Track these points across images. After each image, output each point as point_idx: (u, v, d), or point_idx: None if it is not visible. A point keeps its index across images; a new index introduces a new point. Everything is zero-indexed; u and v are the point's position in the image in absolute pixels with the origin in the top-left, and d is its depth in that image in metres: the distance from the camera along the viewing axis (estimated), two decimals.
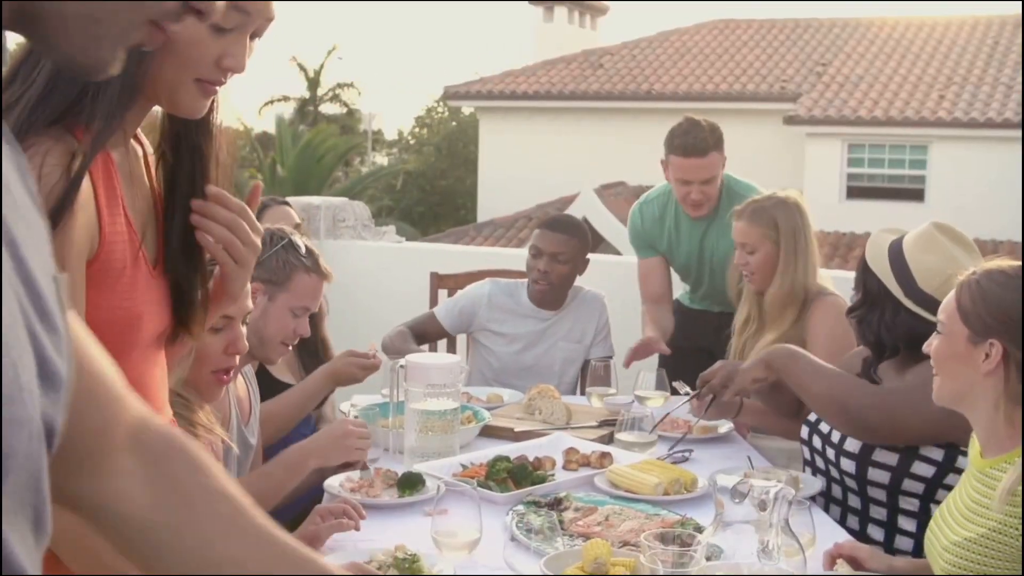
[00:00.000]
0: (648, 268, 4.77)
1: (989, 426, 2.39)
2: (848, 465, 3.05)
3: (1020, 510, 2.22)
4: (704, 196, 4.42)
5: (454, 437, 3.23)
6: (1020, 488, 2.22)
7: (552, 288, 4.39)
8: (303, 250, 3.26)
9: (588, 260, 4.49)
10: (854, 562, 2.50)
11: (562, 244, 4.36)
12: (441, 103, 34.26)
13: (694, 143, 4.35)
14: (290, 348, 3.32)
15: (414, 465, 3.06)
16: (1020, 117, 19.95)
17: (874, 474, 3.01)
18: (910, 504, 2.97)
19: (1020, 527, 2.22)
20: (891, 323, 3.06)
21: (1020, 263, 2.45)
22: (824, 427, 3.19)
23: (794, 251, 3.80)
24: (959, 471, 2.80)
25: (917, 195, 20.47)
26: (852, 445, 3.06)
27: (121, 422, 1.18)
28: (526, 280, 4.53)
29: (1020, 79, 21.07)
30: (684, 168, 4.39)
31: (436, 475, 2.96)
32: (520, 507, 2.77)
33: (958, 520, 2.40)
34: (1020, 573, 2.25)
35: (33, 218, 0.92)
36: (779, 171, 20.49)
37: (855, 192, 20.92)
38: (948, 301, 2.47)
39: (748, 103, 22.34)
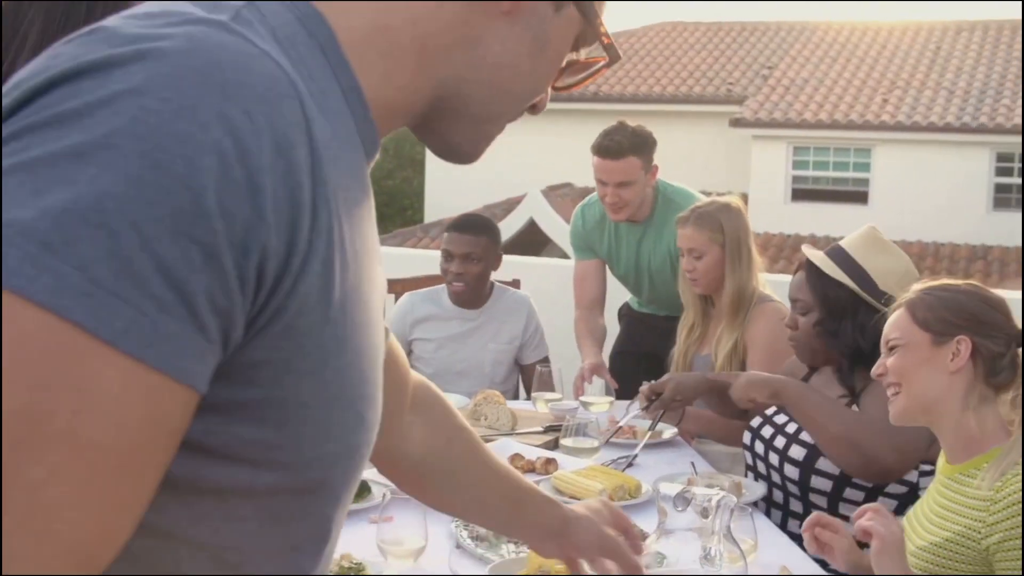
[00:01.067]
0: (585, 270, 4.79)
1: (957, 430, 2.42)
2: (792, 472, 3.07)
3: (987, 515, 2.25)
4: (619, 199, 4.41)
5: None
6: (996, 495, 2.26)
7: (469, 288, 4.42)
8: None
9: (501, 256, 4.51)
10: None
11: (472, 244, 4.38)
12: None
13: (610, 145, 4.37)
14: None
15: None
16: (962, 121, 20.24)
17: (817, 482, 3.04)
18: (850, 511, 3.00)
19: (985, 530, 2.25)
20: (864, 326, 3.06)
21: (951, 279, 2.53)
22: (767, 432, 3.22)
23: (739, 255, 3.84)
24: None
25: (861, 197, 20.69)
26: (797, 452, 3.08)
27: (409, 384, 1.60)
28: (443, 286, 4.54)
29: (961, 83, 21.37)
30: (599, 169, 4.41)
31: (381, 482, 2.95)
32: None
33: (925, 526, 2.44)
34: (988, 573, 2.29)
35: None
36: (725, 173, 20.67)
37: (800, 194, 21.11)
38: (898, 319, 2.49)
39: (695, 105, 22.51)
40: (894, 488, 2.99)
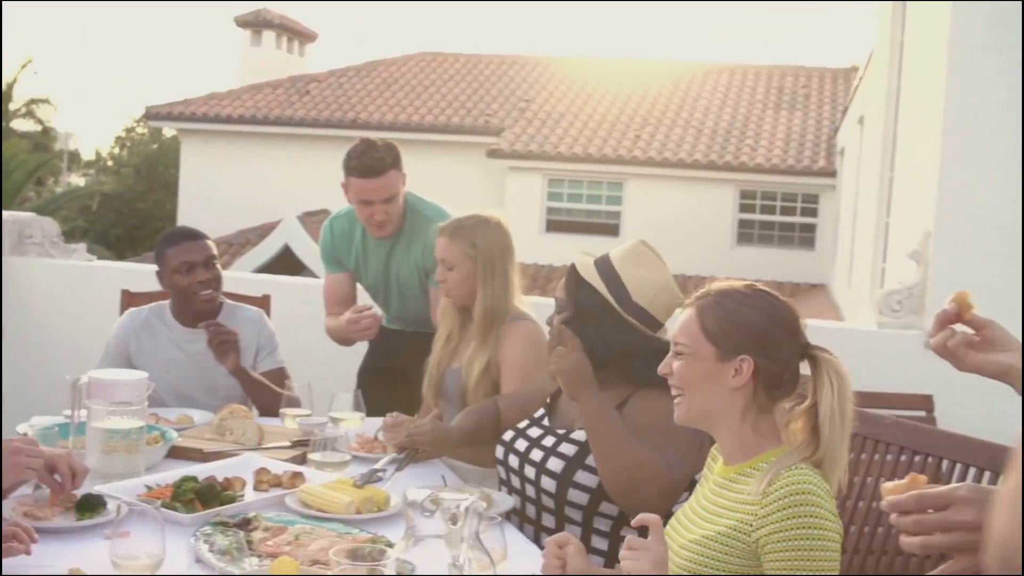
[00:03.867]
0: (334, 283, 4.73)
1: (735, 437, 2.46)
2: (548, 484, 3.06)
3: (759, 507, 2.29)
4: (387, 216, 4.39)
5: (139, 457, 3.09)
6: (768, 488, 2.29)
7: (216, 293, 4.27)
8: None
9: None
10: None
11: (208, 248, 4.26)
12: (142, 123, 33.28)
13: (371, 163, 4.32)
14: None
15: (95, 487, 2.91)
16: (709, 159, 21.05)
17: (573, 495, 3.04)
18: (604, 524, 3.02)
19: (757, 523, 2.29)
20: (607, 335, 3.09)
21: (746, 282, 2.54)
22: (520, 446, 3.21)
23: (492, 272, 3.82)
24: None
25: (613, 230, 21.22)
26: (555, 465, 3.07)
27: None
28: (166, 303, 4.36)
29: (709, 123, 22.25)
30: (364, 189, 4.35)
31: (117, 496, 2.82)
32: (207, 528, 2.67)
33: (695, 521, 2.46)
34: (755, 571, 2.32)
35: None
36: (482, 203, 20.67)
37: (554, 225, 21.52)
38: (687, 323, 2.50)
39: (453, 135, 22.67)
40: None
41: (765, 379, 2.44)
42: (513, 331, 3.80)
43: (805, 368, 2.48)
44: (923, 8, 7.98)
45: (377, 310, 4.45)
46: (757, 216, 21.49)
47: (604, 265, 3.16)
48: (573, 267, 3.22)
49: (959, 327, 2.08)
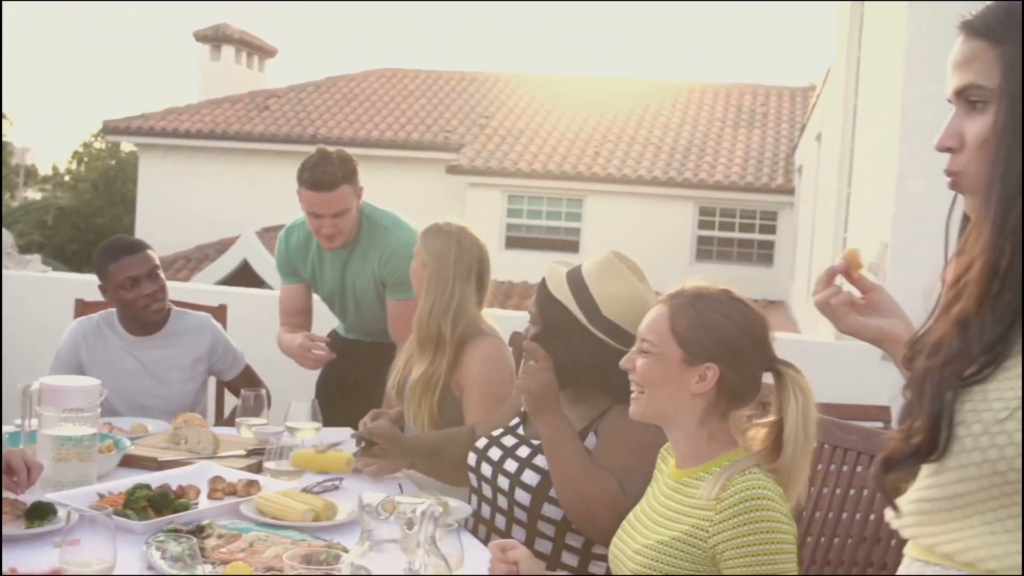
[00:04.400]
0: (290, 294, 4.69)
1: (690, 441, 2.45)
2: (523, 497, 2.99)
3: (714, 513, 2.28)
4: (336, 230, 4.34)
5: (91, 465, 3.04)
6: (721, 492, 2.28)
7: (164, 304, 4.23)
8: None
9: None
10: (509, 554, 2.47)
11: (150, 259, 4.21)
12: (100, 138, 33.07)
13: (323, 177, 4.26)
14: None
15: (46, 495, 2.86)
16: (668, 176, 21.14)
17: (548, 509, 2.96)
18: (576, 541, 2.96)
19: (713, 528, 2.28)
20: (576, 350, 3.00)
21: (721, 287, 2.52)
22: (494, 454, 3.14)
23: (439, 283, 3.73)
24: None
25: (572, 246, 21.24)
26: (530, 478, 2.99)
27: None
28: (113, 311, 4.30)
29: (668, 140, 22.36)
30: (313, 202, 4.30)
31: (68, 503, 2.77)
32: (160, 535, 2.63)
33: (648, 526, 2.44)
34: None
35: None
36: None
37: (514, 242, 21.51)
38: (657, 321, 2.47)
39: (412, 151, 22.64)
40: None
41: (728, 388, 2.42)
42: (481, 346, 3.71)
43: (767, 377, 2.47)
44: (880, 24, 8.04)
45: (323, 352, 4.37)
46: (716, 233, 21.59)
47: (575, 278, 3.09)
48: (543, 281, 3.16)
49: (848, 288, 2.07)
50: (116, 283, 4.17)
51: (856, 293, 2.02)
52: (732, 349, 2.42)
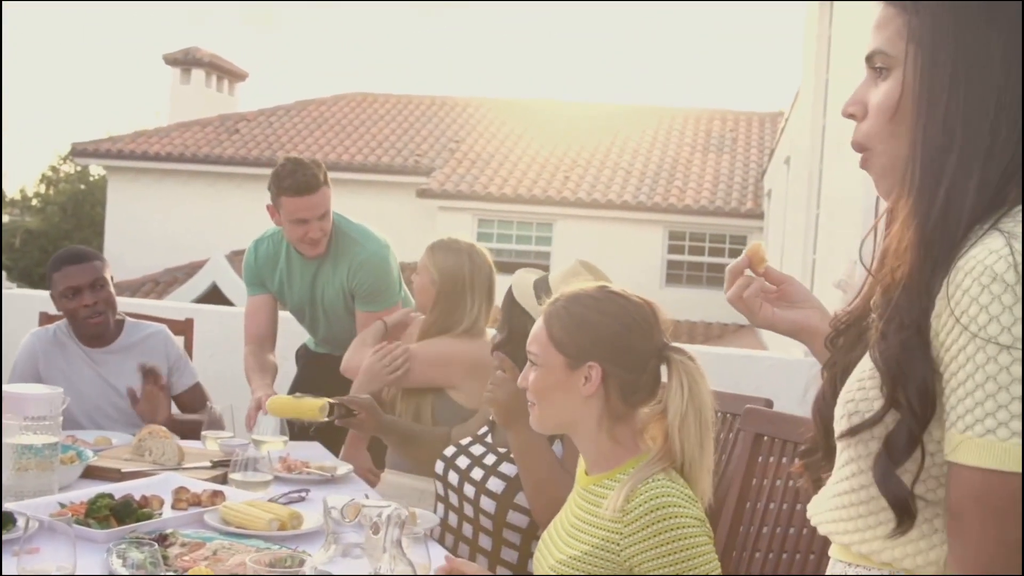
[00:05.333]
0: (256, 306, 4.65)
1: (593, 446, 2.41)
2: (488, 505, 2.98)
3: (622, 526, 2.24)
4: (323, 232, 4.34)
5: (52, 475, 2.99)
6: (628, 504, 2.24)
7: (106, 317, 4.19)
8: None
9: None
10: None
11: (94, 271, 4.18)
12: (69, 160, 32.91)
13: (308, 180, 4.25)
14: None
15: (5, 505, 2.81)
16: (638, 200, 21.19)
17: (513, 517, 2.96)
18: None
19: (624, 542, 2.24)
20: None
21: (598, 284, 2.50)
22: (462, 463, 3.13)
23: (453, 293, 3.75)
24: None
25: (543, 270, 21.19)
26: (495, 485, 2.99)
27: None
28: (61, 323, 4.29)
29: (638, 164, 22.43)
30: (300, 207, 4.27)
31: (28, 512, 2.72)
32: (122, 544, 2.59)
33: (564, 539, 2.40)
34: None
35: None
36: (411, 243, 20.76)
37: None
38: (537, 332, 2.45)
39: (383, 175, 22.65)
40: None
41: (618, 385, 2.38)
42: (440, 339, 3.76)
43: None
44: (846, 46, 8.09)
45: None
46: (686, 257, 21.65)
47: (542, 287, 3.11)
48: (509, 289, 3.18)
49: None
50: (59, 292, 4.17)
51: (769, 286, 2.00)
52: (610, 344, 2.38)
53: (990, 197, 1.45)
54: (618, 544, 2.24)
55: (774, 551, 3.33)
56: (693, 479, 2.32)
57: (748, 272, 1.97)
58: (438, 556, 2.69)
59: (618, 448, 2.39)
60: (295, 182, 4.25)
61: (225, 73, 28.51)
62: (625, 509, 2.24)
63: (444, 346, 3.73)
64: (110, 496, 2.86)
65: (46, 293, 6.56)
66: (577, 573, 2.29)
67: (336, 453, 4.06)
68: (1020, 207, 1.45)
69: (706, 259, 21.63)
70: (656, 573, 2.20)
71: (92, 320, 4.16)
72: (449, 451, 3.22)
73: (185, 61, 27.54)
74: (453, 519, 3.12)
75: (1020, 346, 1.36)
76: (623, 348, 2.38)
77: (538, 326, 2.46)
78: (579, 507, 2.41)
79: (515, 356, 3.00)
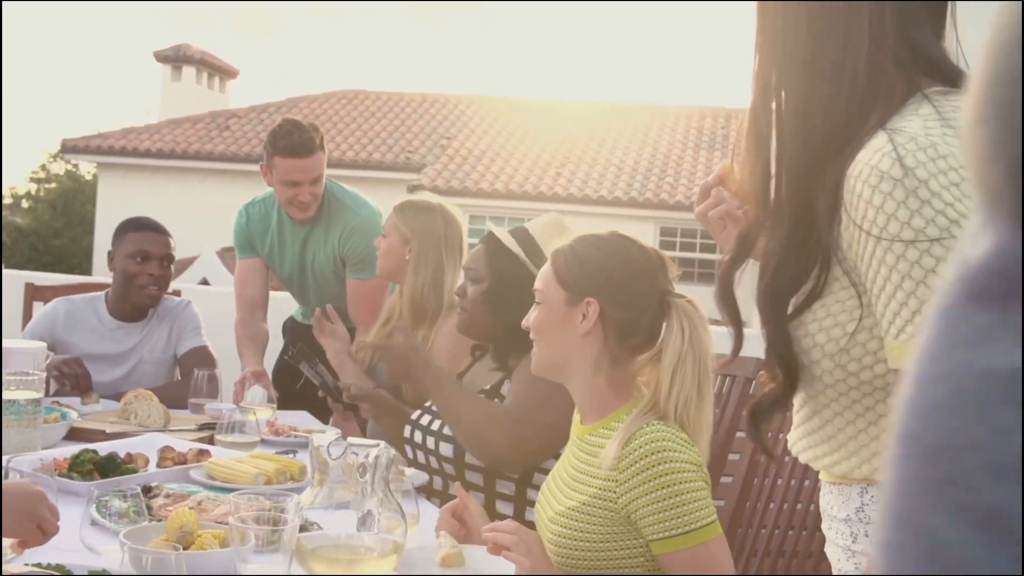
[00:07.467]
0: (247, 269, 4.60)
1: (588, 391, 2.36)
2: (447, 449, 2.97)
3: (618, 472, 2.20)
4: (314, 197, 4.29)
5: (35, 432, 2.93)
6: (623, 451, 2.20)
7: (161, 295, 4.15)
8: None
9: None
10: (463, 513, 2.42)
11: (168, 245, 4.20)
12: (58, 158, 32.85)
13: (303, 142, 4.21)
14: None
15: None
16: (629, 196, 21.19)
17: (471, 476, 2.94)
18: (507, 488, 2.92)
19: (620, 489, 2.20)
20: (530, 304, 2.97)
21: (611, 230, 2.46)
22: (424, 420, 3.11)
23: (425, 259, 3.68)
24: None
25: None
26: (445, 449, 2.98)
27: None
28: (102, 294, 4.24)
29: (629, 161, 22.42)
30: (294, 169, 4.22)
31: (9, 466, 2.67)
32: (106, 496, 2.54)
33: (562, 489, 2.35)
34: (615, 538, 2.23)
35: None
36: None
37: None
38: (544, 271, 2.43)
39: (374, 171, 22.61)
40: (548, 464, 2.91)
41: (615, 325, 2.33)
42: (443, 326, 3.65)
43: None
44: None
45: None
46: (677, 253, 21.61)
47: (523, 236, 3.08)
48: (492, 235, 3.12)
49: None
50: (128, 252, 4.13)
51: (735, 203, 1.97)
52: (609, 279, 2.34)
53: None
54: (614, 492, 2.20)
55: (771, 552, 3.32)
56: (692, 431, 2.27)
57: (720, 192, 1.93)
58: (428, 511, 2.65)
59: (612, 394, 2.34)
60: (290, 143, 4.21)
61: (216, 70, 28.46)
62: (620, 456, 2.19)
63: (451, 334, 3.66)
64: (94, 452, 2.82)
65: (35, 275, 6.55)
66: (574, 524, 2.25)
67: (325, 422, 4.02)
68: (910, 104, 1.45)
69: (697, 255, 21.63)
70: (652, 521, 2.16)
71: (147, 291, 4.13)
72: (415, 414, 3.18)
73: (176, 58, 27.49)
74: (428, 477, 3.08)
75: (924, 237, 1.35)
76: (622, 286, 2.34)
77: (547, 264, 2.44)
78: (576, 458, 2.37)
79: (503, 301, 2.99)
